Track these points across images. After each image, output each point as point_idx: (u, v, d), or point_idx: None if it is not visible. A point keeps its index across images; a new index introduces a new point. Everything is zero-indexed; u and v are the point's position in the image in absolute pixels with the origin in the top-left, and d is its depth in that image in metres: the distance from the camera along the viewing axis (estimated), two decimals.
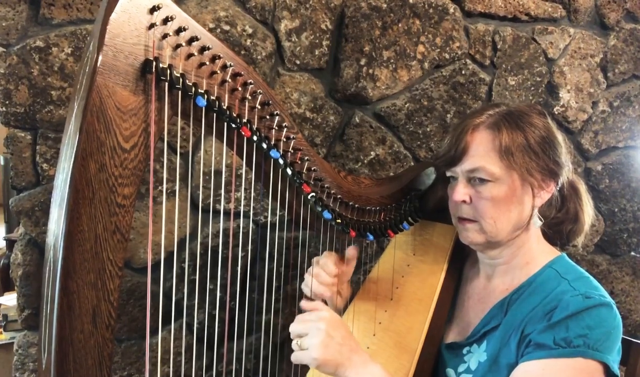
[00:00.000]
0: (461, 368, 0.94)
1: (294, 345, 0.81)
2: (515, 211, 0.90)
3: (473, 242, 0.94)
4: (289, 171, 0.89)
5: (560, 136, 0.93)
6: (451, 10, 1.59)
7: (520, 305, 0.89)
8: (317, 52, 1.48)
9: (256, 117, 0.82)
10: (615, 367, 0.82)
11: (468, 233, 0.93)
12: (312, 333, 0.79)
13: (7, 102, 1.25)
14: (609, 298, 0.84)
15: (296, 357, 0.80)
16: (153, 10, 0.66)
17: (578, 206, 0.97)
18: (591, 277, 0.89)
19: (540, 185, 0.90)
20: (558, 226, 0.97)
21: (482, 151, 0.89)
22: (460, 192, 0.91)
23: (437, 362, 0.99)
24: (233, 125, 0.79)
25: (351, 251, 1.05)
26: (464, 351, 0.95)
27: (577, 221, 0.97)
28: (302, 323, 0.82)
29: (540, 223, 0.94)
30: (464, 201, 0.91)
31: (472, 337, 0.95)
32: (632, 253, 1.92)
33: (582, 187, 0.98)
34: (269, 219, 1.48)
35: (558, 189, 0.93)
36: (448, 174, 0.96)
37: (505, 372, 0.85)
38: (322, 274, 1.02)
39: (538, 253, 0.94)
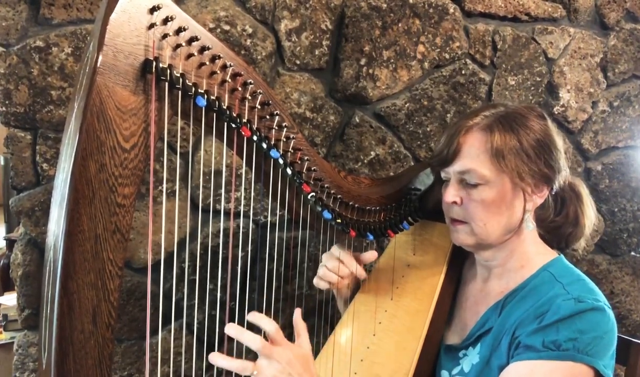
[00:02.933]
0: (455, 370, 0.94)
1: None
2: (506, 215, 0.89)
3: (463, 244, 0.94)
4: (288, 171, 0.88)
5: (559, 141, 0.91)
6: (451, 10, 1.59)
7: (513, 308, 0.89)
8: (317, 52, 1.49)
9: (256, 117, 0.82)
10: (608, 372, 0.81)
11: (459, 235, 0.93)
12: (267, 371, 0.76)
13: (7, 102, 1.25)
14: (602, 302, 0.83)
15: None
16: (153, 10, 0.66)
17: (579, 210, 0.96)
18: (587, 280, 0.88)
19: (532, 189, 0.88)
20: (557, 229, 0.96)
21: (473, 153, 0.88)
22: (451, 193, 0.90)
23: (434, 363, 0.99)
24: (233, 125, 0.79)
25: (369, 256, 1.06)
26: (460, 354, 0.95)
27: (577, 225, 0.96)
28: (260, 360, 0.77)
29: (532, 227, 0.93)
30: (454, 203, 0.91)
31: (468, 340, 0.94)
32: (632, 253, 1.92)
33: (584, 191, 0.97)
34: (269, 219, 1.48)
35: (554, 193, 0.93)
36: (442, 175, 0.95)
37: (496, 374, 0.85)
38: (341, 266, 1.03)
39: (533, 256, 0.93)
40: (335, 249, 1.04)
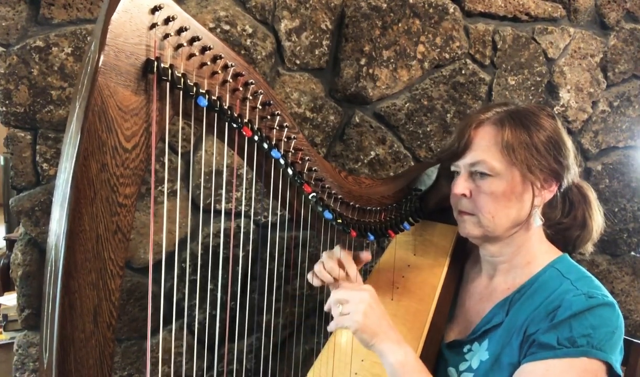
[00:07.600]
0: (462, 366, 0.94)
1: (334, 311, 0.85)
2: (514, 208, 0.90)
3: (470, 235, 0.95)
4: (289, 171, 0.88)
5: (568, 141, 0.93)
6: (451, 10, 1.59)
7: (522, 305, 0.89)
8: (317, 52, 1.49)
9: (257, 117, 0.82)
10: (618, 366, 0.82)
11: (466, 225, 0.94)
12: (355, 300, 0.83)
13: (7, 102, 1.25)
14: (611, 298, 0.85)
15: (337, 323, 0.84)
16: (154, 10, 0.66)
17: (587, 213, 0.97)
18: (593, 277, 0.89)
19: (541, 184, 0.90)
20: (565, 231, 0.97)
21: (484, 146, 0.90)
22: (461, 185, 0.92)
23: (438, 362, 0.99)
24: (234, 125, 0.79)
25: (365, 255, 1.05)
26: (465, 349, 0.95)
27: (585, 228, 0.97)
28: (345, 291, 0.86)
29: (540, 222, 0.94)
30: (463, 195, 0.92)
31: (473, 335, 0.95)
32: (632, 253, 1.92)
33: (592, 195, 0.98)
34: (269, 219, 1.48)
35: (562, 191, 0.93)
36: (452, 168, 0.96)
37: (507, 371, 0.85)
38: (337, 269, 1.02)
39: (540, 253, 0.94)
40: (337, 250, 1.04)
